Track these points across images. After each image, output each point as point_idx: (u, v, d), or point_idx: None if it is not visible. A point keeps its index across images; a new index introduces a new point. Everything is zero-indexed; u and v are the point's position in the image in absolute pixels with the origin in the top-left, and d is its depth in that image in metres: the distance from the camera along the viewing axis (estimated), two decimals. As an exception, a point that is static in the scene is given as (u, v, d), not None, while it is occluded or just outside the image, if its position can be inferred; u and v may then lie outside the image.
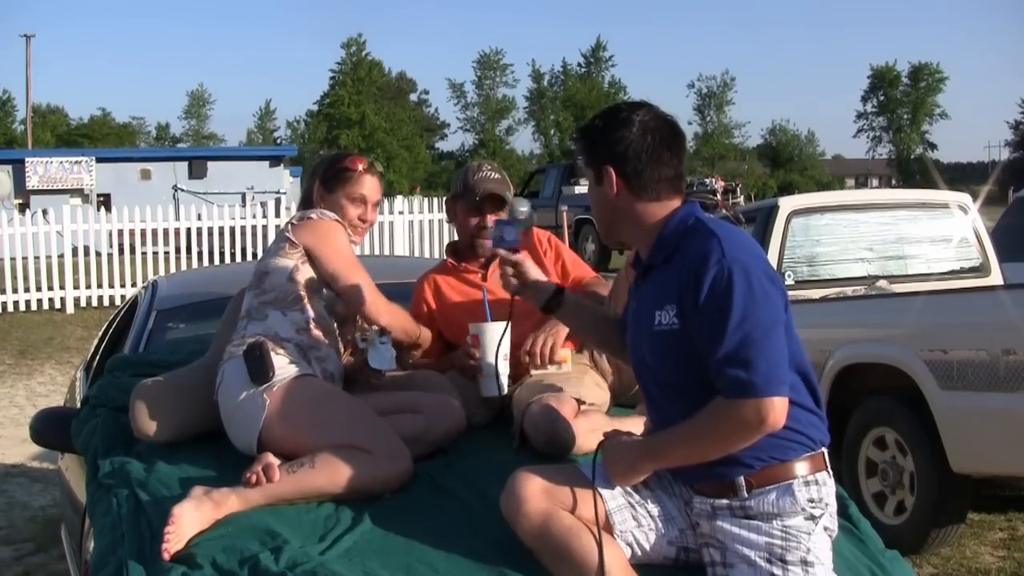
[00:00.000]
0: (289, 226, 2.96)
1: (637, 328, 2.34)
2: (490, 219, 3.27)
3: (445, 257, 3.48)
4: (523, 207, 2.76)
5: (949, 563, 4.88)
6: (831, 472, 2.29)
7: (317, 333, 2.87)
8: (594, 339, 2.82)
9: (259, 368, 2.71)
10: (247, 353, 2.75)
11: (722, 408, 2.12)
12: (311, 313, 2.88)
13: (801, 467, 2.21)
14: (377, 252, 15.65)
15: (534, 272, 2.63)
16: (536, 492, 2.23)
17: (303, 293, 2.88)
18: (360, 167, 3.06)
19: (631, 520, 2.27)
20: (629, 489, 2.31)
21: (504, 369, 2.92)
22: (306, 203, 3.12)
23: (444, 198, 16.98)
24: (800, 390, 2.23)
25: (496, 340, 2.86)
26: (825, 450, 2.28)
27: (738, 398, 2.10)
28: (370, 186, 3.06)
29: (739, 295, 2.09)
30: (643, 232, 2.32)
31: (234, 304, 3.19)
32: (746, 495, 2.20)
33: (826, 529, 2.24)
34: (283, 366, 2.75)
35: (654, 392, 2.35)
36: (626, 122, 2.29)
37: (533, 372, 3.02)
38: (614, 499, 2.28)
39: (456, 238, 3.48)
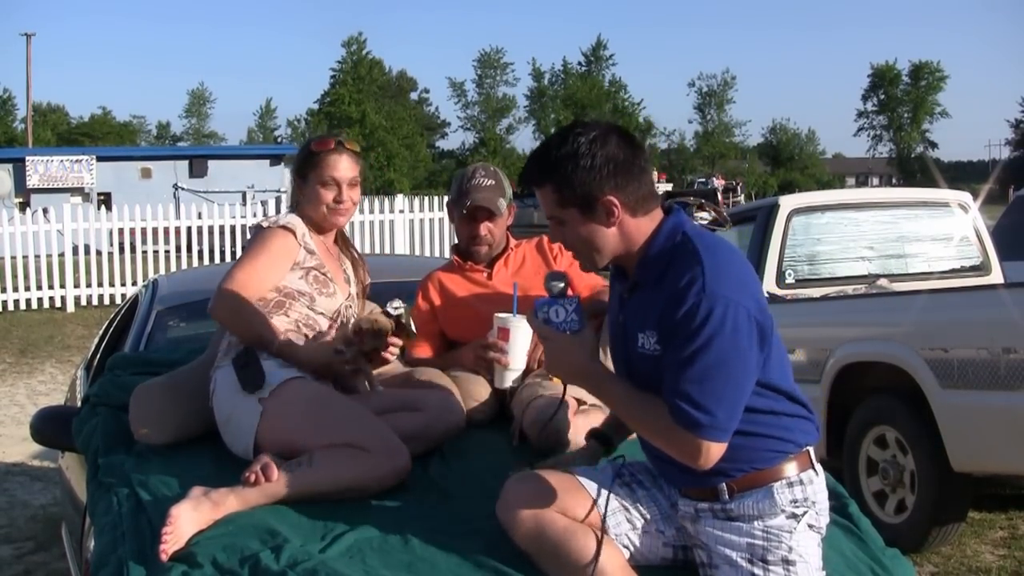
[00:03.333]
0: (251, 232, 2.97)
1: (624, 343, 2.27)
2: (481, 228, 3.29)
3: (450, 256, 3.50)
4: (559, 282, 2.32)
5: (950, 562, 4.88)
6: (819, 468, 2.27)
7: (306, 334, 2.88)
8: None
9: (249, 376, 2.71)
10: (236, 361, 2.74)
11: (666, 422, 2.09)
12: (296, 315, 2.89)
13: (784, 470, 2.20)
14: (378, 251, 15.66)
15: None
16: (529, 497, 2.23)
17: (282, 299, 2.89)
18: (327, 147, 2.94)
19: (625, 523, 2.28)
20: (623, 491, 2.31)
21: (524, 363, 2.95)
22: (294, 200, 3.06)
23: (445, 197, 17.08)
24: (782, 401, 2.21)
25: (526, 335, 2.89)
26: (811, 448, 2.26)
27: (680, 427, 2.07)
28: (342, 166, 2.93)
29: (710, 331, 2.03)
30: (631, 250, 2.22)
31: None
32: (727, 498, 2.20)
33: (811, 527, 2.22)
34: (273, 370, 2.75)
35: None
36: (604, 142, 2.15)
37: (555, 379, 3.02)
38: (608, 502, 2.28)
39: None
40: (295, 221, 2.94)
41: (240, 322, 2.80)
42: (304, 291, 2.90)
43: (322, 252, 2.99)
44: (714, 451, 2.08)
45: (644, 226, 2.20)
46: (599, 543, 2.18)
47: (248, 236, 2.98)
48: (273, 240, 2.89)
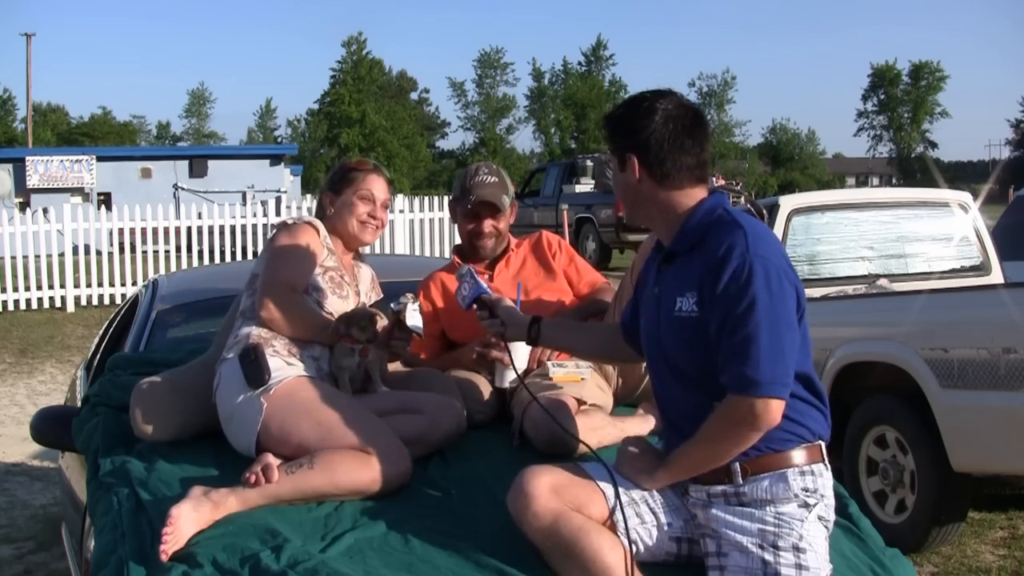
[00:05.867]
0: (273, 230, 3.01)
1: (656, 313, 2.35)
2: (485, 223, 3.31)
3: (451, 256, 3.50)
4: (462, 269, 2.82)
5: (950, 562, 4.88)
6: (829, 466, 2.31)
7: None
8: (587, 353, 2.86)
9: (255, 371, 2.71)
10: (242, 357, 2.75)
11: (723, 405, 2.17)
12: None
13: (797, 457, 2.24)
14: (378, 251, 15.65)
15: (508, 309, 2.70)
16: (545, 491, 2.24)
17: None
18: (366, 167, 3.11)
19: (634, 517, 2.29)
20: (630, 484, 2.32)
21: (525, 363, 2.97)
22: (319, 214, 3.13)
23: (445, 197, 16.85)
24: (799, 387, 2.25)
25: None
26: (824, 444, 2.30)
27: (738, 394, 2.13)
28: (378, 185, 3.09)
29: (756, 290, 2.12)
30: (666, 219, 2.34)
31: (238, 302, 3.19)
32: (740, 481, 2.23)
33: (820, 519, 2.25)
34: (279, 367, 2.75)
35: (668, 381, 2.36)
36: (649, 111, 2.31)
37: (554, 378, 3.03)
38: (619, 498, 2.28)
39: (457, 236, 3.50)
40: (317, 222, 3.02)
41: (297, 323, 2.83)
42: (319, 287, 2.93)
43: (339, 257, 3.05)
44: (774, 407, 2.13)
45: (677, 198, 2.32)
46: (626, 550, 2.21)
47: (270, 234, 3.05)
48: (303, 235, 2.95)
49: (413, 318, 2.88)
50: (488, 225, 3.31)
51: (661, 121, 2.29)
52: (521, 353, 2.95)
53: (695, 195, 2.32)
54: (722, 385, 2.17)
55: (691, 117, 2.33)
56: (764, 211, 6.32)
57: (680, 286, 2.27)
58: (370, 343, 2.87)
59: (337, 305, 2.94)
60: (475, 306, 2.72)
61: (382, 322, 2.95)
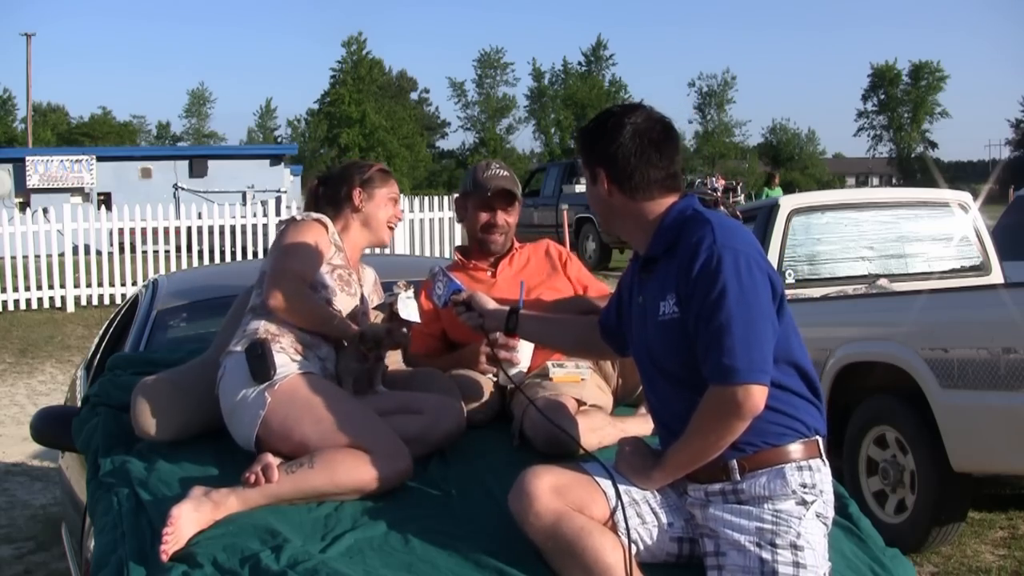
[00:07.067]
0: (282, 227, 3.00)
1: (643, 321, 2.37)
2: (500, 215, 3.33)
3: (452, 256, 3.51)
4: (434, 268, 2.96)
5: (950, 562, 4.88)
6: (826, 460, 2.31)
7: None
8: (563, 346, 2.89)
9: (260, 366, 2.71)
10: (249, 351, 2.75)
11: (706, 397, 2.18)
12: None
13: (794, 451, 2.25)
14: (378, 251, 15.63)
15: (484, 301, 2.77)
16: (546, 491, 2.24)
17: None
18: (389, 170, 3.20)
19: (635, 517, 2.29)
20: (631, 484, 2.32)
21: (530, 360, 3.01)
22: (336, 207, 3.11)
23: (445, 197, 16.77)
24: (794, 377, 2.26)
25: None
26: (820, 439, 2.30)
27: (718, 384, 2.15)
28: (397, 189, 3.20)
29: (726, 279, 2.15)
30: (640, 229, 2.37)
31: (239, 302, 3.19)
32: (739, 478, 2.23)
33: (819, 516, 2.25)
34: (284, 363, 2.75)
35: (660, 385, 2.37)
36: (617, 126, 2.35)
37: (554, 378, 3.03)
38: (620, 499, 2.28)
39: (458, 237, 3.51)
40: (326, 219, 3.02)
41: (305, 312, 2.83)
42: (328, 285, 2.93)
43: (347, 255, 3.05)
44: (756, 393, 2.13)
45: (649, 208, 2.35)
46: (626, 551, 2.21)
47: (278, 230, 3.02)
48: (311, 231, 2.94)
49: (407, 307, 2.87)
50: (502, 217, 3.33)
51: (628, 136, 2.33)
52: (527, 349, 2.97)
53: (666, 202, 2.36)
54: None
55: (659, 131, 2.36)
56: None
57: (661, 291, 2.29)
58: (374, 353, 2.90)
59: (346, 302, 2.95)
60: (451, 304, 2.79)
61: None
